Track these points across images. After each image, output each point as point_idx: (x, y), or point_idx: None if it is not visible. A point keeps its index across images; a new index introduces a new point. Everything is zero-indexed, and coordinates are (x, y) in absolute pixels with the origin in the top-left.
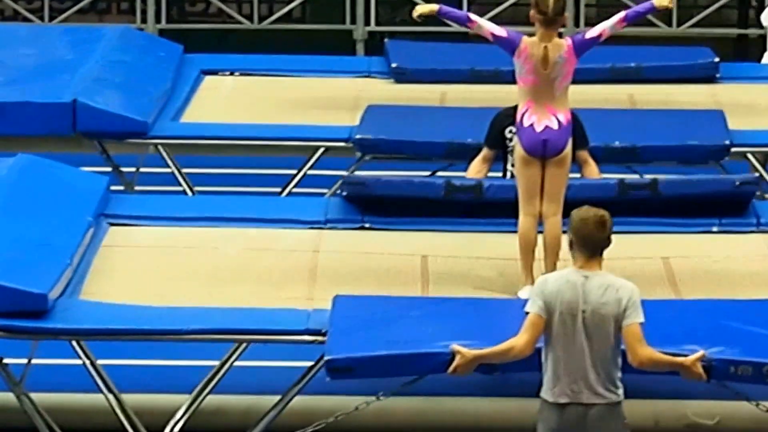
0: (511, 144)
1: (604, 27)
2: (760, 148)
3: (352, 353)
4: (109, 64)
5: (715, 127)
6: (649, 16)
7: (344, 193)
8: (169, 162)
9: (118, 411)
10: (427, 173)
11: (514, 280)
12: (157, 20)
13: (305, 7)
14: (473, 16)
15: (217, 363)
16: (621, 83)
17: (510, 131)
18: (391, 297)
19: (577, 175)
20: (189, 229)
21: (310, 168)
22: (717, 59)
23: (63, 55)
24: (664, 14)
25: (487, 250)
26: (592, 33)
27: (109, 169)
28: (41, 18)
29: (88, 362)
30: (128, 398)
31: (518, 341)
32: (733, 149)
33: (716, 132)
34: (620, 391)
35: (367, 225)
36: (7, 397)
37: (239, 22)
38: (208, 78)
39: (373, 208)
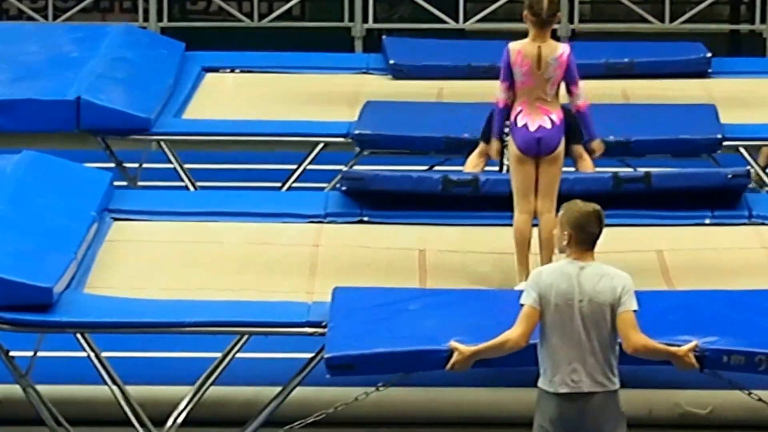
0: (507, 138)
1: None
2: (751, 142)
3: (351, 351)
4: (112, 61)
5: (707, 121)
6: (642, 12)
7: (343, 188)
8: (172, 158)
9: (123, 402)
10: (425, 168)
11: (510, 273)
12: (159, 18)
13: (304, 5)
14: (500, 102)
15: (219, 355)
16: (615, 78)
17: (506, 125)
18: (390, 288)
19: (572, 169)
20: (191, 224)
21: (310, 163)
22: (709, 54)
23: (67, 53)
24: (657, 10)
25: (484, 243)
26: (572, 92)
27: (112, 165)
28: (45, 17)
29: (92, 354)
30: (132, 390)
31: (513, 333)
32: (725, 143)
33: (709, 126)
34: (617, 380)
35: (365, 219)
36: (14, 389)
37: (240, 20)
38: (209, 75)
39: (371, 202)
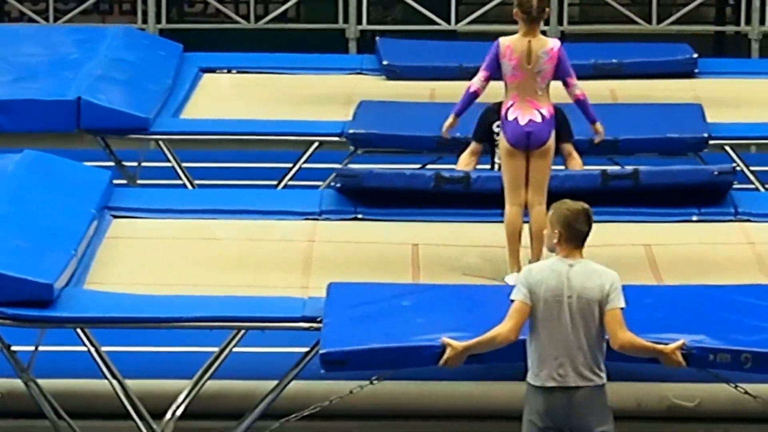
0: (498, 137)
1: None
2: (737, 140)
3: (345, 347)
4: (112, 62)
5: (693, 120)
6: (629, 14)
7: (338, 186)
8: (170, 156)
9: (122, 396)
10: (418, 166)
11: (501, 267)
12: (158, 20)
13: (299, 7)
14: (473, 87)
15: (216, 349)
16: (603, 79)
17: (497, 125)
18: (384, 284)
19: (562, 167)
20: (189, 221)
21: (305, 161)
22: (695, 55)
23: (67, 55)
24: (644, 12)
25: (475, 238)
26: (569, 83)
27: (111, 163)
28: (46, 19)
29: (92, 349)
30: (132, 383)
31: (503, 328)
32: (711, 141)
33: (695, 125)
34: (604, 375)
35: (360, 216)
36: (16, 383)
37: (236, 22)
38: (206, 76)
39: (365, 199)
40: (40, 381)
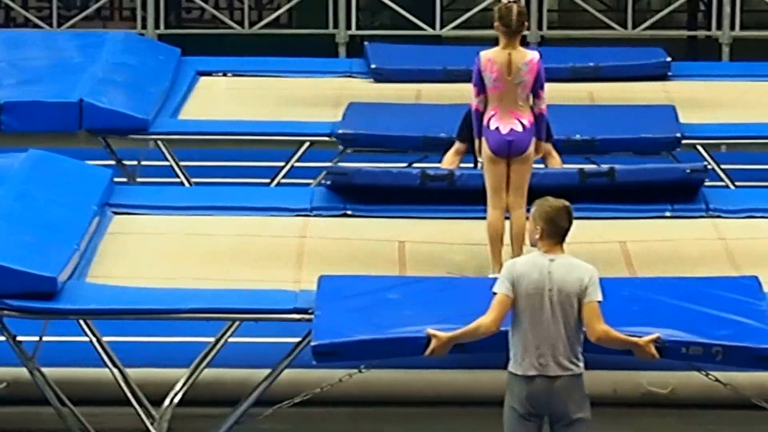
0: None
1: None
2: (708, 140)
3: (335, 339)
4: (113, 66)
5: (667, 121)
6: (606, 20)
7: (328, 183)
8: (168, 156)
9: (122, 384)
10: (404, 164)
11: (484, 262)
12: (157, 26)
13: (292, 13)
14: (473, 106)
15: (212, 339)
16: (581, 81)
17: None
18: (372, 276)
19: (542, 166)
20: (186, 217)
21: (297, 160)
22: (669, 59)
23: (70, 59)
24: (620, 17)
25: (459, 235)
26: (539, 95)
27: (112, 162)
28: (50, 24)
29: (94, 339)
30: (131, 372)
31: (486, 319)
32: (684, 141)
33: (668, 125)
34: (582, 364)
35: (349, 212)
36: (21, 372)
37: (231, 28)
38: (203, 78)
39: (354, 196)
40: (44, 369)
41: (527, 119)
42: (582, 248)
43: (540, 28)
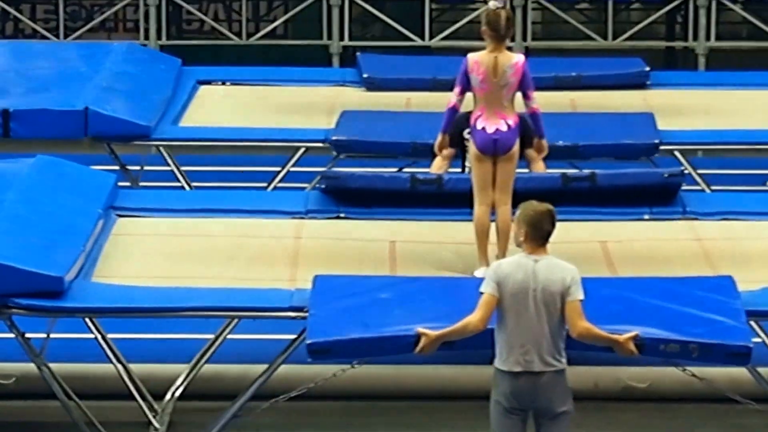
0: (468, 142)
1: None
2: (685, 146)
3: (329, 337)
4: (117, 75)
5: (646, 128)
6: (588, 31)
7: (322, 187)
8: (170, 161)
9: (126, 378)
10: (395, 169)
11: (471, 261)
12: (159, 37)
13: (288, 25)
14: (451, 103)
15: (212, 336)
16: (564, 90)
17: (467, 133)
18: (365, 276)
19: (526, 171)
20: (187, 220)
21: (293, 165)
22: (647, 68)
23: (76, 68)
24: (600, 28)
25: (447, 235)
26: (529, 95)
27: (116, 167)
28: (57, 35)
29: (99, 336)
30: (135, 367)
31: (473, 318)
32: (662, 147)
33: (647, 132)
34: (564, 360)
35: (342, 215)
36: (29, 367)
37: (230, 38)
38: (203, 87)
39: (347, 199)
40: (51, 365)
41: (512, 120)
42: (565, 249)
43: (524, 39)
